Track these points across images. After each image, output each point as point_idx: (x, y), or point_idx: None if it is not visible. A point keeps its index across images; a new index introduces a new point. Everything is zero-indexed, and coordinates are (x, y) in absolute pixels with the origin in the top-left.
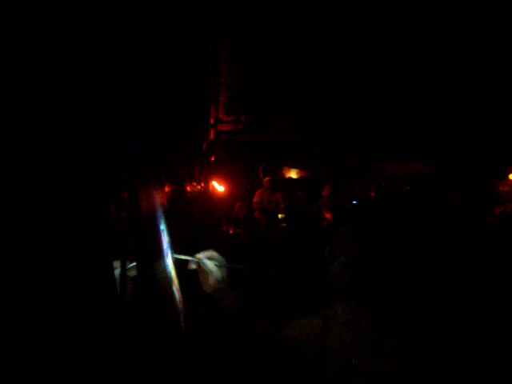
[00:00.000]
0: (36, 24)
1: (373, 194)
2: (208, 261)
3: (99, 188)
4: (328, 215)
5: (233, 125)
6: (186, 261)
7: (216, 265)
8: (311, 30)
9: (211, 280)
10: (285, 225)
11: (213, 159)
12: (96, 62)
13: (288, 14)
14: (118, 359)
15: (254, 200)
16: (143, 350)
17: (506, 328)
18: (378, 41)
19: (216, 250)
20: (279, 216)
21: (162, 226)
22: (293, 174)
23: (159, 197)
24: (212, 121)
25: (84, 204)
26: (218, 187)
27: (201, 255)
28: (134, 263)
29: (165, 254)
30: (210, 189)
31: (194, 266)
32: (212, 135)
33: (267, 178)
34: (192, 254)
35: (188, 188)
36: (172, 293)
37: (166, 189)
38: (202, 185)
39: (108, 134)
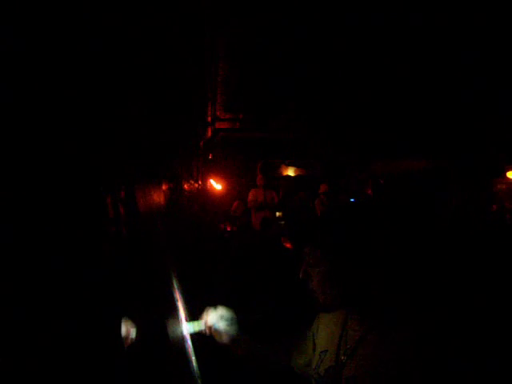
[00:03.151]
0: (37, 24)
1: (370, 192)
2: (219, 323)
3: (97, 187)
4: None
5: (230, 123)
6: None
7: (227, 324)
8: (307, 28)
9: (225, 337)
10: (283, 222)
11: (210, 157)
12: (95, 62)
13: (283, 15)
14: None
15: (249, 199)
16: None
17: (493, 324)
18: (372, 36)
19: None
20: (277, 214)
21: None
22: (290, 171)
23: (157, 195)
24: (209, 119)
25: (81, 202)
26: (216, 185)
27: (210, 319)
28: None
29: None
30: (208, 187)
31: (207, 332)
32: (209, 133)
33: (259, 176)
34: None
35: (186, 186)
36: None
37: (164, 187)
38: (200, 183)
39: (106, 132)
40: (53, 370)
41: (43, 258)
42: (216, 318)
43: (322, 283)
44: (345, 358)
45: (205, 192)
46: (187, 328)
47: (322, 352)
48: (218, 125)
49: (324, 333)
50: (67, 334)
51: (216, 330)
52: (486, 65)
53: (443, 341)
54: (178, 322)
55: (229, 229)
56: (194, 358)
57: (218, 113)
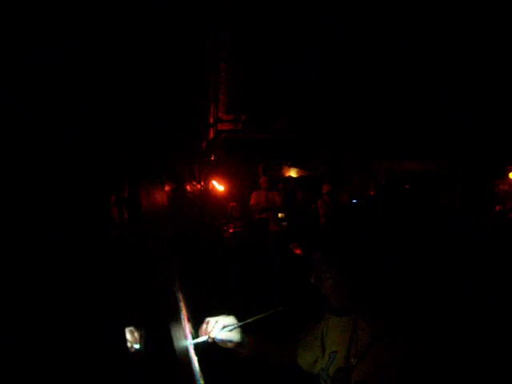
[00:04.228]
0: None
1: (372, 193)
2: (222, 332)
3: (101, 187)
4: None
5: (232, 124)
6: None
7: (230, 330)
8: (308, 29)
9: (230, 345)
10: (285, 223)
11: (213, 158)
12: (97, 63)
13: (285, 18)
14: None
15: (251, 203)
16: None
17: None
18: (372, 37)
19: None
20: (279, 215)
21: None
22: (292, 172)
23: (160, 196)
24: (212, 120)
25: (85, 202)
26: (218, 186)
27: (214, 329)
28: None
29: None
30: (210, 188)
31: (210, 341)
32: (212, 134)
33: (263, 178)
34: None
35: (188, 187)
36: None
37: (166, 188)
38: (202, 184)
39: (109, 134)
40: (53, 371)
41: (44, 259)
42: (217, 328)
43: (334, 287)
44: (354, 360)
45: (207, 193)
46: (190, 341)
47: (331, 353)
48: (220, 126)
49: (334, 334)
50: (67, 335)
51: (219, 340)
52: (486, 65)
53: (450, 347)
54: (181, 325)
55: (231, 230)
56: (196, 363)
57: (220, 114)
